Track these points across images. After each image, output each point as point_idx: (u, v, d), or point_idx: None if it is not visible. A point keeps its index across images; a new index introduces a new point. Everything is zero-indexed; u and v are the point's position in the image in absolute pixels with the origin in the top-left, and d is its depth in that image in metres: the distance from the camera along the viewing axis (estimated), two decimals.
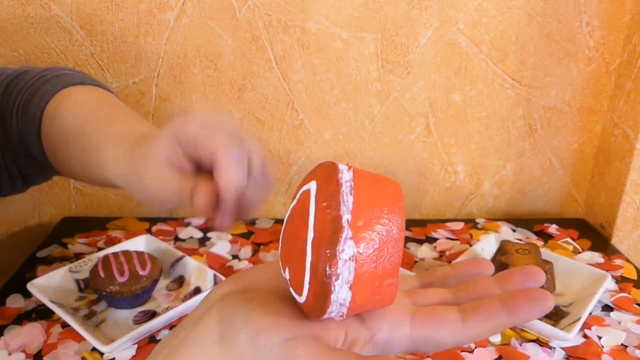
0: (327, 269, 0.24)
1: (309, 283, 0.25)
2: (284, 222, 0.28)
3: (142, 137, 0.43)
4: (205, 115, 0.39)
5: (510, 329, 0.58)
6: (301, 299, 0.26)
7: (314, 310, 0.26)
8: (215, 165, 0.37)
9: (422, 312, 0.29)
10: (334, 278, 0.24)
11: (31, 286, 0.57)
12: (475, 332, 0.27)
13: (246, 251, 0.72)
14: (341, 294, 0.25)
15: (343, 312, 0.26)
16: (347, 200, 0.25)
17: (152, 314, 0.58)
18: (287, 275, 0.27)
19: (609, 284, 0.64)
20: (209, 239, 0.76)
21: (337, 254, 0.24)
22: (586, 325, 0.59)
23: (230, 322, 0.27)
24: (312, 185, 0.26)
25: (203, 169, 0.40)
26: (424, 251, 0.74)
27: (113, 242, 0.72)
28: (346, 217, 0.25)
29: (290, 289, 0.27)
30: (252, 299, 0.28)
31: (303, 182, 0.28)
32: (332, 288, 0.25)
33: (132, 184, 0.42)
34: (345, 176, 0.26)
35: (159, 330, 0.56)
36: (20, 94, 0.49)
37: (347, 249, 0.24)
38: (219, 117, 0.39)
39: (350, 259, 0.25)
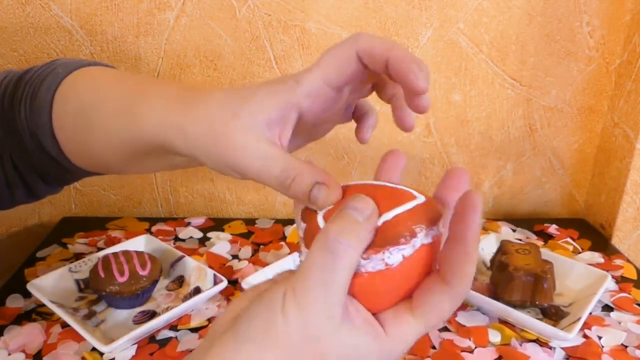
0: None
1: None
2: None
3: (199, 90, 0.36)
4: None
5: (510, 329, 0.58)
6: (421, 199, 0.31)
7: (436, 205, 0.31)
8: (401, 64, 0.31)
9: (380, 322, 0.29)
10: None
11: (31, 286, 0.57)
12: (427, 319, 0.28)
13: (246, 251, 0.72)
14: None
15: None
16: None
17: (152, 314, 0.58)
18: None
19: (609, 284, 0.64)
20: (209, 239, 0.76)
21: None
22: (586, 326, 0.59)
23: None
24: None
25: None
26: None
27: (113, 242, 0.72)
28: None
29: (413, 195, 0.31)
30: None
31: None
32: None
33: (192, 138, 0.34)
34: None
35: (159, 330, 0.56)
36: (29, 84, 0.46)
37: None
38: None
39: None
